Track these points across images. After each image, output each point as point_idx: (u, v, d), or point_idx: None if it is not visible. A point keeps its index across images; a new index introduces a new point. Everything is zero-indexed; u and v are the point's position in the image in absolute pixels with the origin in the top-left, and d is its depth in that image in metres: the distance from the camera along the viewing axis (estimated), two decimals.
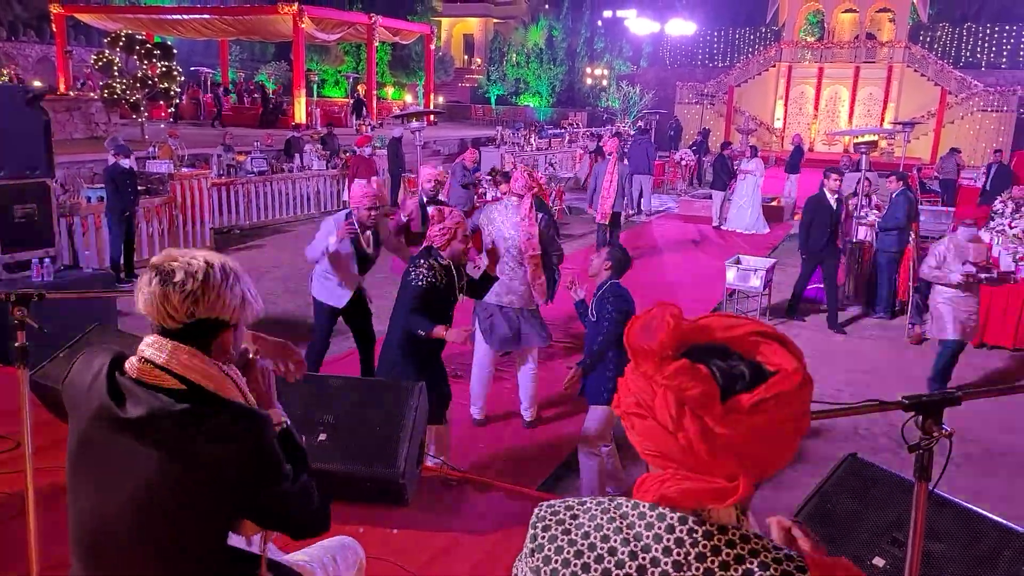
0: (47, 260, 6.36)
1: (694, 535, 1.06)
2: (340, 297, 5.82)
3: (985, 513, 2.79)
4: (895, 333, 8.79)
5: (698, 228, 15.40)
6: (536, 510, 1.19)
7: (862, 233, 9.87)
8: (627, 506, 1.12)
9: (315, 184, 15.71)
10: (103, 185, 10.30)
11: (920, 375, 7.53)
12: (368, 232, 5.75)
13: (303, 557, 2.23)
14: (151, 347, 1.75)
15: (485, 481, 4.16)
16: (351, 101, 29.73)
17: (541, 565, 1.12)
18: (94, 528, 1.76)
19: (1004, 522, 2.73)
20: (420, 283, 4.45)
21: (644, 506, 1.10)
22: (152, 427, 1.68)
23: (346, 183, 13.82)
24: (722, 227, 15.35)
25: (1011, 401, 6.52)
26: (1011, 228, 9.49)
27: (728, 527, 1.08)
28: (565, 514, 1.15)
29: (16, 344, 2.45)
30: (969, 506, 2.82)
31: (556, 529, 1.14)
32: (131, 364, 1.75)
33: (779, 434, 1.07)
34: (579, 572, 1.09)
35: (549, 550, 1.12)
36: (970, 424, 6.10)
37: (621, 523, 1.10)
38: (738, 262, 9.12)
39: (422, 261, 4.55)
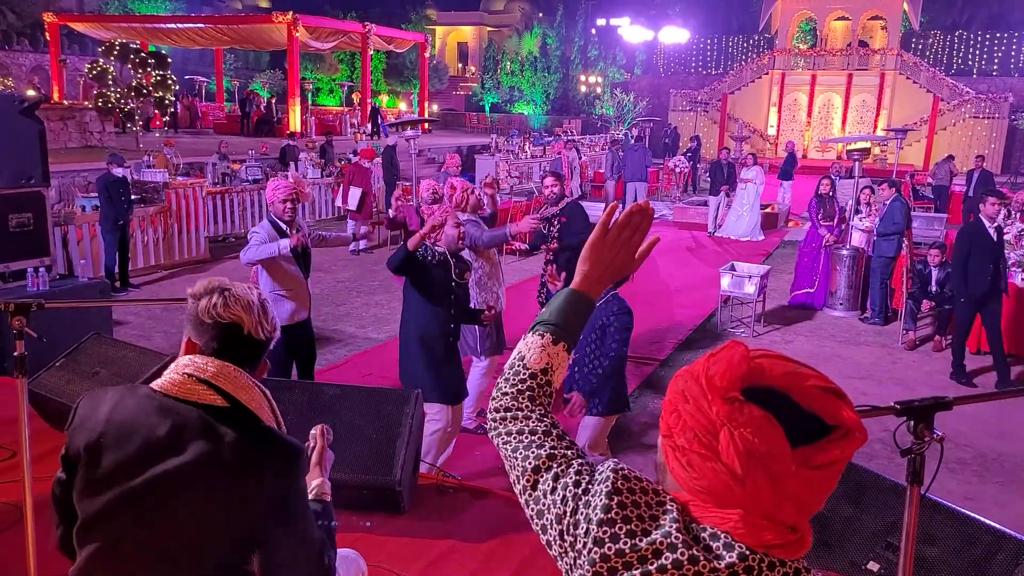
0: (42, 269, 6.35)
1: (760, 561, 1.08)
2: (296, 312, 5.43)
3: (979, 517, 2.81)
4: (888, 339, 8.83)
5: (692, 235, 15.45)
6: (611, 475, 1.16)
7: (856, 239, 9.92)
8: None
9: (306, 188, 15.70)
10: (97, 194, 10.30)
11: (914, 380, 7.56)
12: (294, 229, 5.46)
13: None
14: (193, 364, 1.72)
15: (481, 488, 4.16)
16: (368, 110, 29.83)
17: (608, 541, 1.11)
18: (112, 553, 1.68)
19: (997, 526, 2.76)
20: (423, 254, 4.76)
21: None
22: (185, 435, 1.65)
23: (341, 191, 13.84)
24: (716, 234, 15.41)
25: (1004, 406, 6.56)
26: (1005, 235, 9.55)
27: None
28: (641, 498, 1.13)
29: (15, 353, 2.45)
30: (963, 510, 2.84)
31: (631, 511, 1.12)
32: (168, 380, 1.71)
33: (831, 485, 1.09)
34: (648, 556, 1.08)
35: (620, 529, 1.11)
36: (963, 429, 6.13)
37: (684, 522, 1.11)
38: (732, 269, 9.15)
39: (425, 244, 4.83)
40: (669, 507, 1.12)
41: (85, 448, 1.69)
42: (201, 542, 1.66)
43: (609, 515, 1.12)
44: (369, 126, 28.58)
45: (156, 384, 1.71)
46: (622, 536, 1.10)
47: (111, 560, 1.68)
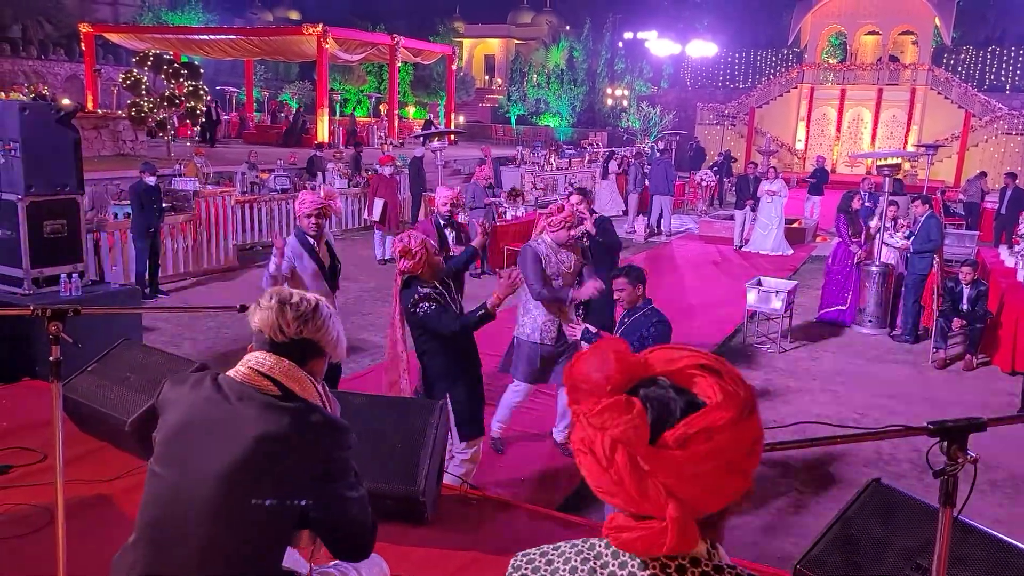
0: (75, 275, 6.45)
1: (667, 570, 1.07)
2: None
3: (1011, 540, 2.77)
4: (919, 357, 8.71)
5: (719, 249, 15.35)
6: (512, 560, 1.23)
7: (886, 256, 9.81)
8: (600, 546, 1.13)
9: (337, 202, 15.82)
10: (129, 202, 10.46)
11: (944, 400, 7.45)
12: (322, 244, 5.41)
13: (329, 569, 2.26)
14: (256, 359, 2.03)
15: (505, 500, 4.16)
16: (422, 122, 30.09)
17: None
18: (167, 507, 1.94)
19: None
20: (431, 311, 4.36)
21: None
22: (246, 413, 1.94)
23: (367, 201, 13.94)
24: (743, 248, 15.29)
25: None
26: None
27: (700, 560, 1.09)
28: (540, 560, 1.18)
29: (51, 358, 2.49)
30: (994, 533, 2.80)
31: (536, 562, 1.17)
32: (235, 371, 2.03)
33: (712, 471, 1.03)
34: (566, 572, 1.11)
35: None
36: (996, 451, 6.02)
37: (595, 564, 1.11)
38: (759, 284, 9.09)
39: (417, 294, 4.41)
40: (561, 544, 1.18)
41: (166, 419, 2.03)
42: (258, 501, 1.91)
43: None
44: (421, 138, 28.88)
45: (229, 373, 2.04)
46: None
47: (155, 512, 1.97)
